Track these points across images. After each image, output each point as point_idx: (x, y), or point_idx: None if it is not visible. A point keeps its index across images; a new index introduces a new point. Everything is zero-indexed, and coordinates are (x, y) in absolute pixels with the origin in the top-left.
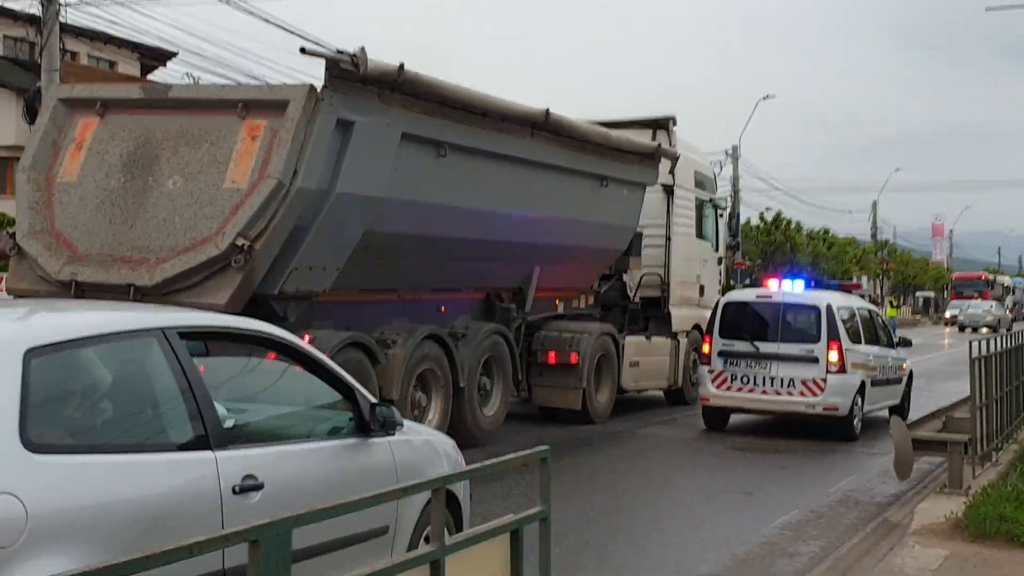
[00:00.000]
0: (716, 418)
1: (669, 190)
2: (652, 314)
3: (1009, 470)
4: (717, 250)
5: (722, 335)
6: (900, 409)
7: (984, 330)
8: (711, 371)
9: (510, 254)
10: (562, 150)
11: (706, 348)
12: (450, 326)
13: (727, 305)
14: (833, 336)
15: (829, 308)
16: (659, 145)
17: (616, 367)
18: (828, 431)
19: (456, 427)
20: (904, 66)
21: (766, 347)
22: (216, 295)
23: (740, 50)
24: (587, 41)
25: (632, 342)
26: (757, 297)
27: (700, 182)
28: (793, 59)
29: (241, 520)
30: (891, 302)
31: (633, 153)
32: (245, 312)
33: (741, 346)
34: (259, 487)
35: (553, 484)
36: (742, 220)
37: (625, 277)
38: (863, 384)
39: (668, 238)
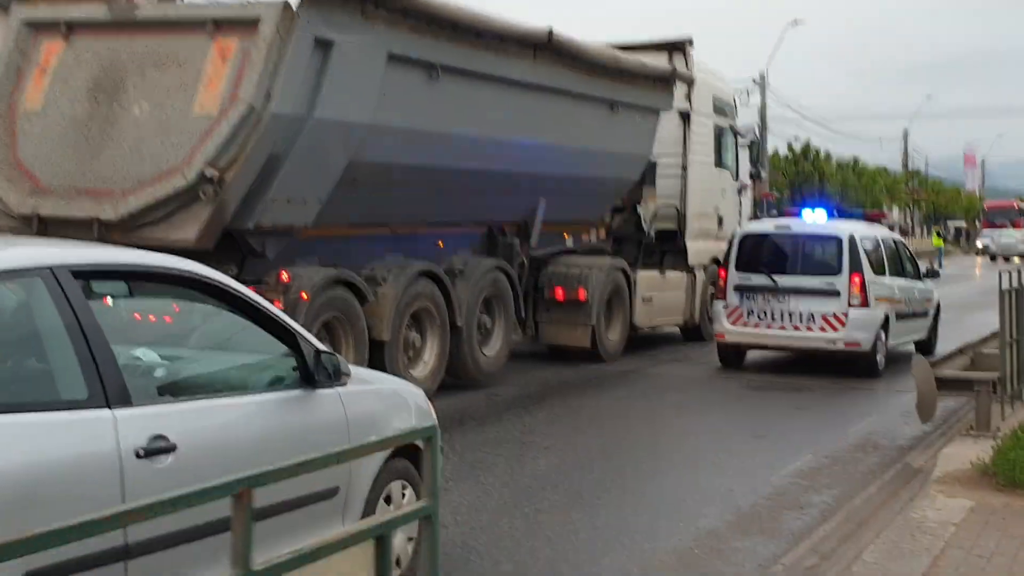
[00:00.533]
0: (732, 355)
1: (685, 116)
2: (668, 248)
3: None
4: (737, 179)
5: (739, 269)
6: (927, 344)
7: (1017, 260)
8: (726, 306)
9: (513, 185)
10: (568, 73)
11: (722, 282)
12: (447, 262)
13: (744, 237)
14: (855, 268)
15: (852, 239)
16: (674, 68)
17: (628, 303)
18: (850, 368)
19: (454, 368)
20: None
21: (785, 280)
22: (185, 230)
23: None
24: None
25: (645, 277)
26: (776, 228)
27: (719, 108)
28: None
29: (147, 489)
30: (937, 232)
31: (646, 77)
32: (219, 247)
33: (758, 280)
34: (170, 449)
35: (552, 428)
36: (770, 151)
37: (639, 209)
38: (887, 318)
39: (684, 167)
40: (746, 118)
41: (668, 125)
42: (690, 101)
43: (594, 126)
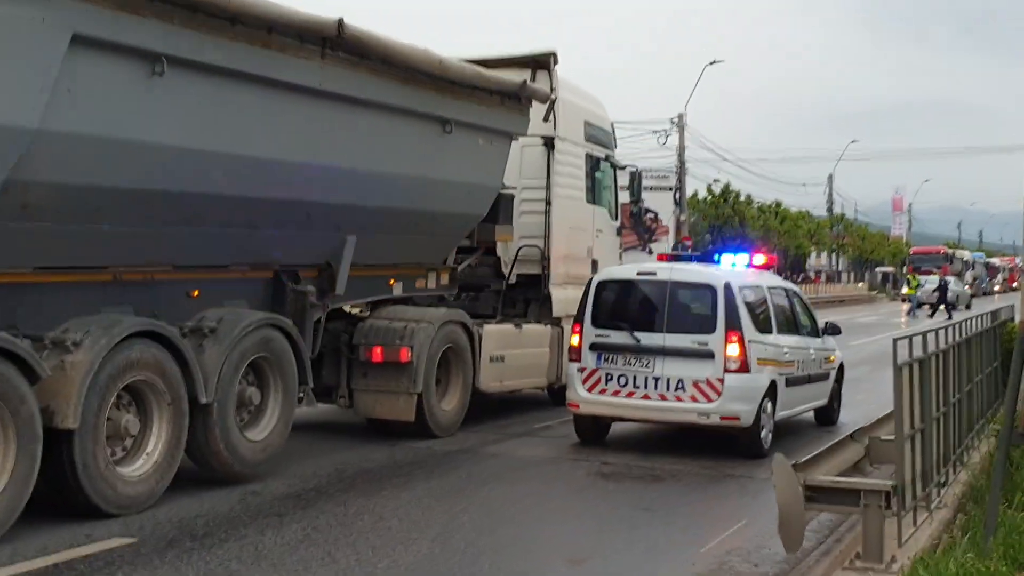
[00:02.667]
0: (591, 429)
1: (550, 143)
2: (533, 296)
3: (952, 526)
4: (617, 218)
5: (595, 323)
6: (828, 412)
7: (942, 307)
8: (581, 369)
9: (304, 219)
10: (373, 80)
11: (575, 340)
12: (198, 318)
13: (602, 285)
14: (732, 324)
15: (728, 289)
16: (524, 83)
17: (471, 363)
18: (730, 446)
19: (202, 459)
20: (865, 42)
21: (650, 339)
22: None
23: (693, 21)
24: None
25: (495, 332)
26: (639, 275)
27: (593, 136)
28: (746, 30)
29: None
30: (908, 280)
31: (489, 91)
32: None
33: (618, 337)
34: None
35: (350, 532)
36: (689, 192)
37: (500, 251)
38: (773, 385)
39: (548, 202)
40: (664, 159)
41: (531, 153)
42: (555, 125)
43: (421, 149)
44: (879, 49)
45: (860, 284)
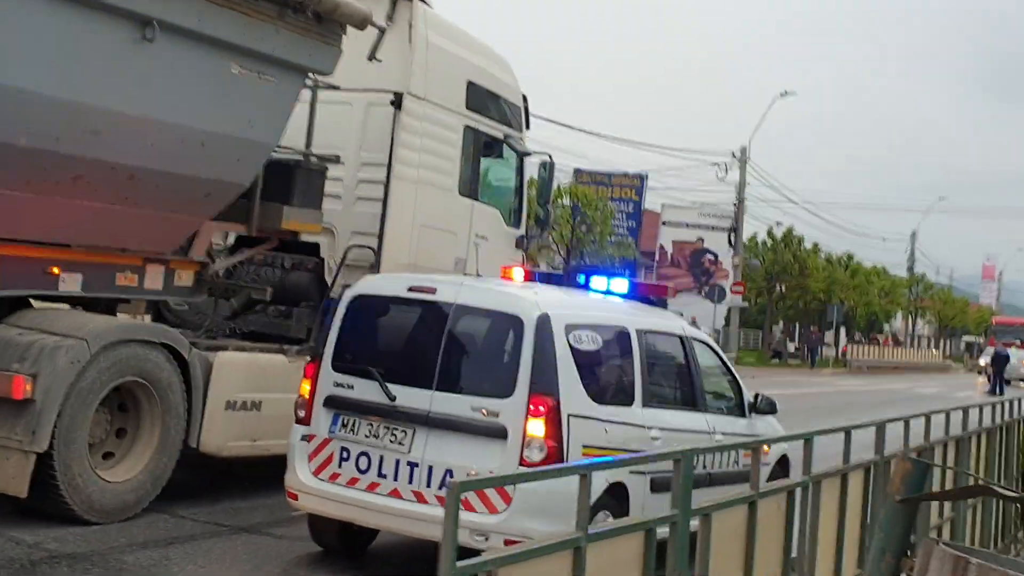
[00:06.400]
0: (334, 533)
1: (398, 101)
2: None
3: None
4: (516, 224)
5: (338, 364)
6: None
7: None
8: (308, 437)
9: None
10: None
11: (304, 387)
12: None
13: (358, 303)
14: (542, 383)
15: (544, 323)
16: None
17: (181, 410)
18: None
19: None
20: (972, 102)
21: (411, 396)
22: None
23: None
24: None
25: (242, 363)
26: (411, 291)
27: (482, 104)
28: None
29: None
30: (987, 351)
31: None
32: None
33: (365, 390)
34: None
35: None
36: (746, 234)
37: (324, 250)
38: (619, 491)
39: (387, 183)
40: (722, 194)
41: (377, 117)
42: (410, 77)
43: (98, 63)
44: (985, 112)
45: (935, 351)
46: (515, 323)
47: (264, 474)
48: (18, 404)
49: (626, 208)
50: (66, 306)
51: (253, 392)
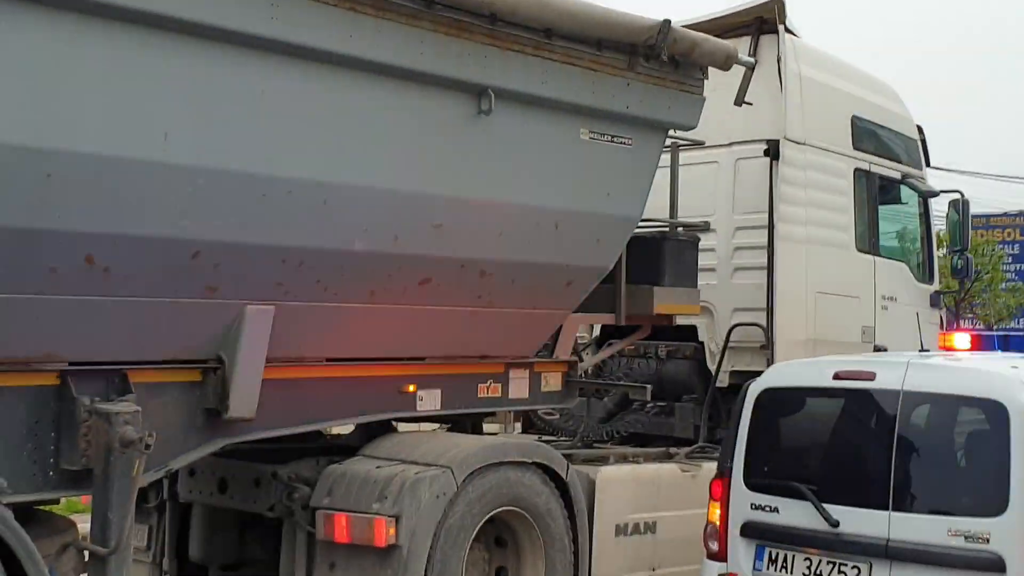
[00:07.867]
0: None
1: (774, 149)
2: None
3: None
4: (928, 279)
5: (752, 478)
6: None
7: None
8: None
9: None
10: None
11: (715, 513)
12: None
13: (767, 399)
14: None
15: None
16: (664, 23)
17: (563, 538)
18: None
19: None
20: None
21: (860, 521)
22: None
23: None
24: None
25: (628, 478)
26: (838, 379)
27: (870, 141)
28: None
29: None
30: None
31: (587, 41)
32: None
33: (795, 513)
34: None
35: None
36: None
37: (703, 333)
38: None
39: (771, 246)
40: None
41: (748, 171)
42: (784, 120)
43: (431, 145)
44: None
45: None
46: (996, 411)
47: None
48: (382, 552)
49: (1011, 250)
50: (431, 426)
51: (645, 512)
